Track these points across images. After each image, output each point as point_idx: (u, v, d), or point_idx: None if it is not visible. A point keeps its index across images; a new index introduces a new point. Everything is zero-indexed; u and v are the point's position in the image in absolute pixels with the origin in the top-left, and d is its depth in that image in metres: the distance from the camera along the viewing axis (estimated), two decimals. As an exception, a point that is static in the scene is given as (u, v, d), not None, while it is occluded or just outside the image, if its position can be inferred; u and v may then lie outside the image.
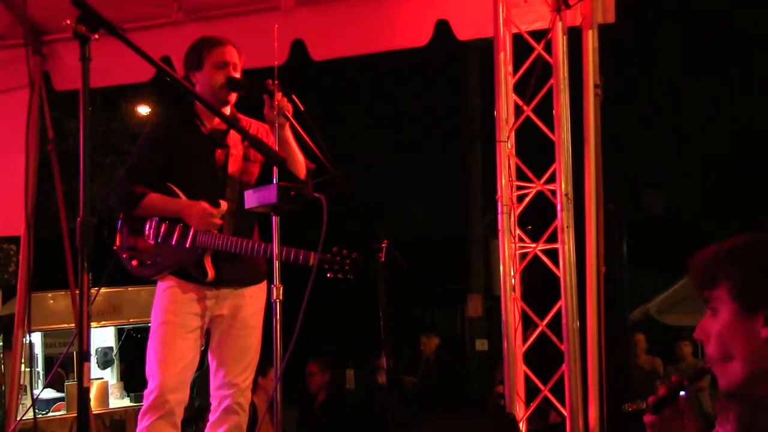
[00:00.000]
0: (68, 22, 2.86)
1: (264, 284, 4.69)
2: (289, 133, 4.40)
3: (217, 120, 4.58)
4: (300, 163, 4.51)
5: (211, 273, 4.46)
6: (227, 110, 4.61)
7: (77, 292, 2.83)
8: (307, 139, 4.35)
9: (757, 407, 2.30)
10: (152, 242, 4.52)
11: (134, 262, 4.57)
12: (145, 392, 4.47)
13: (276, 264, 3.87)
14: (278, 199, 3.81)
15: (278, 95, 4.22)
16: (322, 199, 3.85)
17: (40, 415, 10.68)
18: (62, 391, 11.72)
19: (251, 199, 4.00)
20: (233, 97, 4.57)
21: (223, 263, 4.50)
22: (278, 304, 3.84)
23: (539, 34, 5.30)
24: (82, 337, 2.66)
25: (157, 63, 3.34)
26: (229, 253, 4.46)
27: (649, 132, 33.41)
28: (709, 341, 2.18)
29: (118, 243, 4.61)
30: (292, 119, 4.32)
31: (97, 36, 2.85)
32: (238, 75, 4.58)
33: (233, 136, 4.60)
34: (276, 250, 3.88)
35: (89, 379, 2.70)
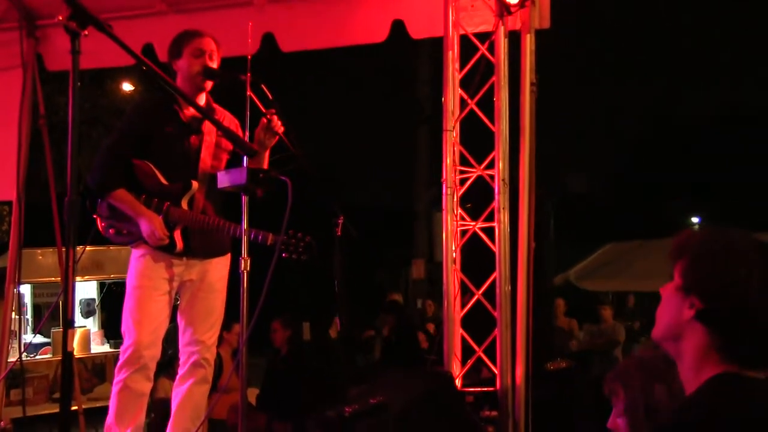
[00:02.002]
0: (60, 18, 2.82)
1: (228, 255, 4.67)
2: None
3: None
4: (266, 160, 4.51)
5: (179, 245, 4.43)
6: (203, 97, 4.57)
7: (64, 258, 2.78)
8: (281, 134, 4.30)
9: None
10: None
11: (111, 231, 4.53)
12: (121, 348, 4.45)
13: (244, 238, 3.82)
14: (247, 180, 3.77)
15: (275, 119, 4.31)
16: (288, 181, 3.81)
17: (28, 358, 10.64)
18: (49, 337, 11.70)
19: (223, 179, 3.95)
20: (209, 84, 4.53)
21: (192, 236, 4.47)
22: (245, 274, 3.81)
23: (484, 36, 5.28)
24: (67, 309, 2.62)
25: (137, 55, 3.29)
26: (196, 229, 4.45)
27: (573, 121, 33.61)
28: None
29: (98, 211, 4.55)
30: (282, 135, 4.32)
31: (86, 32, 2.79)
32: (215, 64, 4.53)
33: (208, 124, 4.52)
34: (245, 226, 3.83)
35: (72, 345, 2.65)
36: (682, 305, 2.07)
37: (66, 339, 2.64)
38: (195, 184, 4.48)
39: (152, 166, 4.48)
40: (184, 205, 4.46)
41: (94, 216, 4.57)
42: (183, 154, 4.52)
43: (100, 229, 4.56)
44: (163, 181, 4.47)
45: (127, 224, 4.47)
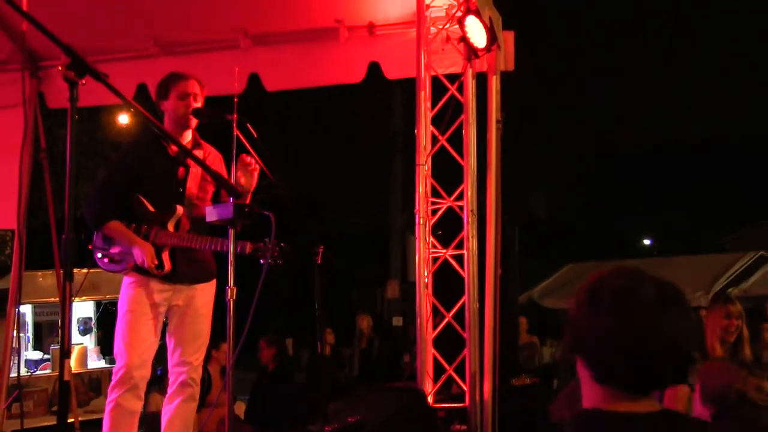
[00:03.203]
0: (60, 68, 2.85)
1: (214, 282, 4.67)
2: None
3: (182, 142, 4.50)
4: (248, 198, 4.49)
5: (167, 266, 4.40)
6: (189, 134, 4.58)
7: (60, 296, 2.76)
8: (258, 159, 4.26)
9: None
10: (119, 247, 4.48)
11: (105, 260, 4.52)
12: (114, 369, 4.46)
13: (231, 269, 3.78)
14: (234, 215, 3.75)
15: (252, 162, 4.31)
16: (271, 216, 3.79)
17: (28, 373, 10.53)
18: (48, 353, 11.61)
19: (212, 213, 3.93)
20: (194, 122, 4.53)
21: (179, 263, 4.45)
22: (231, 303, 3.78)
23: (453, 77, 5.28)
24: (63, 333, 2.57)
25: (128, 100, 3.36)
26: (184, 256, 4.45)
27: (535, 148, 33.86)
28: None
29: (93, 243, 4.55)
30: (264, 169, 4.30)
31: (84, 81, 2.78)
32: (199, 104, 4.53)
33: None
34: (231, 257, 3.79)
35: (70, 374, 2.64)
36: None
37: (63, 369, 2.64)
38: (180, 209, 4.48)
39: (141, 197, 4.48)
40: (171, 227, 4.45)
41: (89, 247, 4.56)
42: (170, 184, 4.52)
43: (95, 258, 4.55)
44: (151, 208, 4.47)
45: (119, 253, 4.47)
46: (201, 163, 4.24)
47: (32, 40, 5.84)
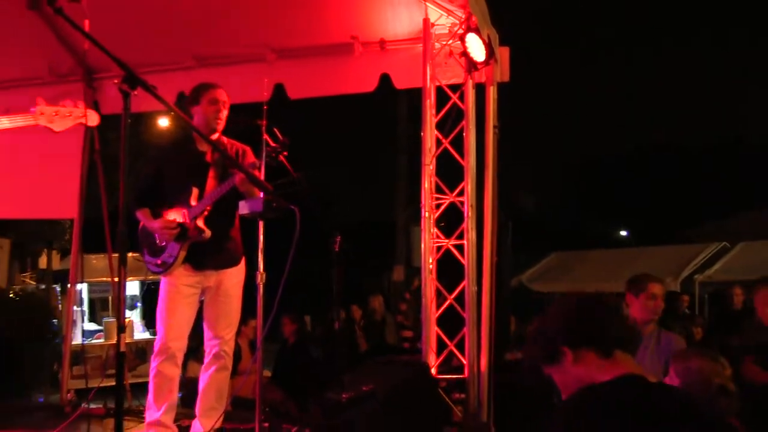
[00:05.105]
0: (115, 81, 2.84)
1: (241, 265, 4.69)
2: None
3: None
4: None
5: (207, 231, 4.44)
6: (215, 135, 4.59)
7: (116, 281, 2.83)
8: (284, 161, 4.24)
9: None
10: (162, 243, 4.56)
11: (152, 266, 4.61)
12: (155, 342, 4.55)
13: (260, 256, 3.77)
14: (263, 209, 3.74)
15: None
16: (296, 210, 3.76)
17: (85, 342, 10.64)
18: (101, 325, 11.72)
19: (243, 207, 3.94)
20: (221, 126, 4.56)
21: (206, 254, 4.51)
22: (261, 287, 3.79)
23: (455, 87, 5.24)
24: (120, 318, 2.59)
25: (171, 107, 3.36)
26: (211, 246, 4.49)
27: (523, 151, 33.81)
28: None
29: (143, 256, 4.68)
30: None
31: (136, 92, 2.80)
32: (226, 111, 4.56)
33: (216, 155, 4.58)
34: (261, 245, 3.78)
35: (125, 345, 2.81)
36: None
37: (120, 342, 2.76)
38: (196, 191, 4.51)
39: (169, 185, 4.56)
40: (193, 202, 4.48)
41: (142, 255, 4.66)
42: (195, 173, 4.54)
43: (149, 268, 4.63)
44: (177, 192, 4.51)
45: (159, 257, 4.54)
46: (232, 159, 4.24)
47: (90, 55, 5.95)
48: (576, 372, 2.07)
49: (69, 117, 3.13)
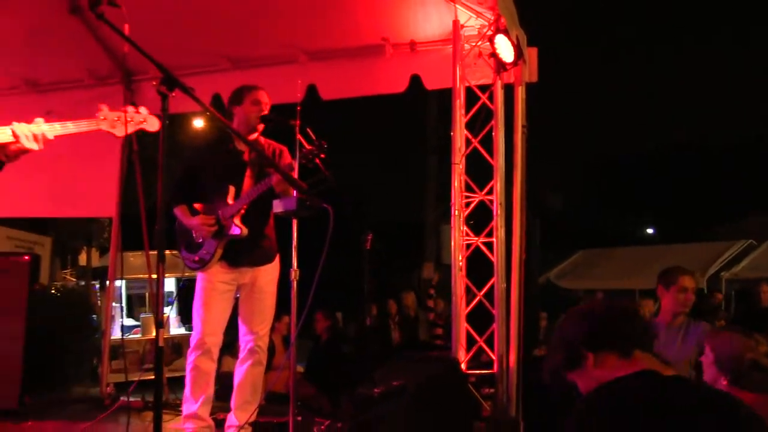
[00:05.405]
0: (154, 83, 2.88)
1: (275, 263, 4.67)
2: None
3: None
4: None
5: (244, 229, 4.42)
6: (254, 135, 4.57)
7: (153, 278, 2.82)
8: (320, 163, 4.23)
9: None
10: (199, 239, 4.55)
11: (188, 261, 4.60)
12: (191, 337, 4.55)
13: (294, 254, 3.77)
14: (297, 207, 3.73)
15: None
16: (330, 209, 3.75)
17: (123, 337, 10.76)
18: (138, 320, 11.89)
19: (278, 205, 3.93)
20: (260, 127, 4.53)
21: (241, 252, 4.50)
22: (295, 283, 3.78)
23: (484, 88, 5.21)
24: (158, 314, 2.60)
25: (207, 107, 3.41)
26: (246, 244, 4.47)
27: (550, 150, 33.55)
28: None
29: (180, 254, 4.66)
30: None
31: (174, 94, 2.81)
32: (267, 111, 4.54)
33: (252, 154, 4.57)
34: (295, 243, 3.77)
35: (163, 340, 2.86)
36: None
37: (158, 337, 2.80)
38: (233, 189, 4.50)
39: (207, 183, 4.55)
40: (230, 201, 4.47)
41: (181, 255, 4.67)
42: (233, 172, 4.54)
43: (187, 265, 4.63)
44: (217, 191, 4.49)
45: (196, 254, 4.54)
46: (269, 159, 4.24)
47: (128, 58, 5.96)
48: (597, 374, 2.11)
49: (130, 122, 3.13)
